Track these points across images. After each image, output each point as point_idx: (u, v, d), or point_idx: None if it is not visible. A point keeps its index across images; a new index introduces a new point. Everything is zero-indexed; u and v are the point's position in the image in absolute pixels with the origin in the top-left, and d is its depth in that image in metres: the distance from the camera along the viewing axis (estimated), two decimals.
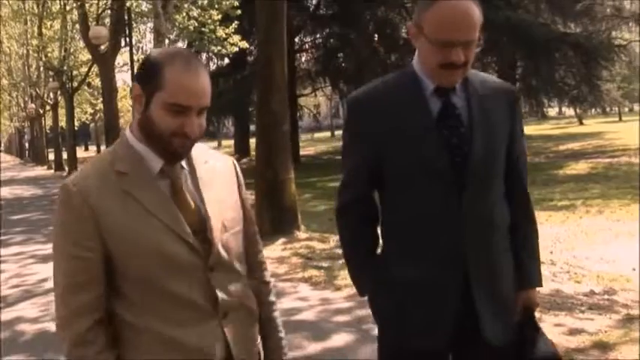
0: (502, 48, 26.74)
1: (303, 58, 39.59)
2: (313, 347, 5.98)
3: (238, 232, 2.31)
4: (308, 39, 38.54)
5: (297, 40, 36.32)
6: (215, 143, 61.09)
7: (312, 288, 8.17)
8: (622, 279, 7.77)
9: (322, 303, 7.46)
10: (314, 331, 6.42)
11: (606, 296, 7.08)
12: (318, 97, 53.88)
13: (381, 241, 2.79)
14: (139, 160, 2.17)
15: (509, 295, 2.68)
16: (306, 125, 67.86)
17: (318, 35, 37.47)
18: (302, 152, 37.62)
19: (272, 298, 2.51)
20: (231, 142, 47.88)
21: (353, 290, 7.59)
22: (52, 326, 6.98)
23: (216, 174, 2.33)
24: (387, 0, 31.48)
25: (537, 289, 2.83)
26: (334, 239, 10.93)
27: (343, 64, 36.01)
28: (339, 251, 9.83)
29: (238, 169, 2.46)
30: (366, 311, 6.90)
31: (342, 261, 9.23)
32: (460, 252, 2.58)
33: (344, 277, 8.34)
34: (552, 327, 5.94)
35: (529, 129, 36.55)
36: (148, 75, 2.13)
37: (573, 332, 5.71)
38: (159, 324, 2.13)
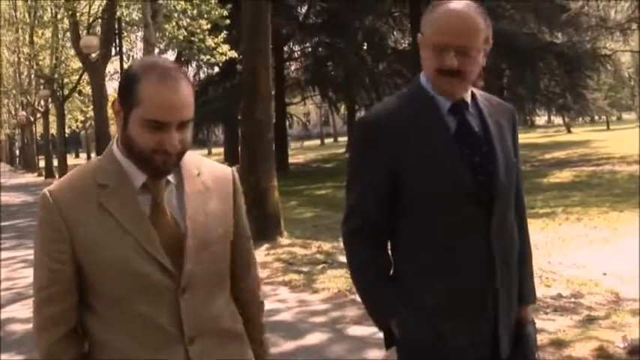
0: (487, 57, 27.01)
1: (293, 67, 39.83)
2: (288, 345, 6.27)
3: (222, 250, 2.21)
4: (297, 48, 38.82)
5: (286, 49, 36.59)
6: (205, 151, 61.29)
7: (291, 291, 8.44)
8: (591, 283, 8.04)
9: (300, 305, 7.74)
10: (290, 330, 6.70)
11: (573, 299, 7.36)
12: (307, 105, 54.08)
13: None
14: (121, 173, 2.10)
15: (514, 314, 2.65)
16: (296, 133, 68.06)
17: (307, 44, 37.71)
18: (291, 160, 37.85)
19: (262, 319, 2.43)
20: (222, 149, 48.13)
21: (329, 293, 8.02)
22: None
23: (207, 187, 2.21)
24: (374, 9, 31.77)
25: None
26: (315, 245, 11.29)
27: (332, 73, 36.25)
28: (320, 257, 10.26)
29: (237, 180, 2.33)
30: (340, 312, 7.27)
31: (321, 266, 9.53)
32: (493, 275, 2.51)
33: (322, 280, 8.67)
34: None
35: None
36: (125, 90, 2.05)
37: None
38: (126, 344, 2.06)
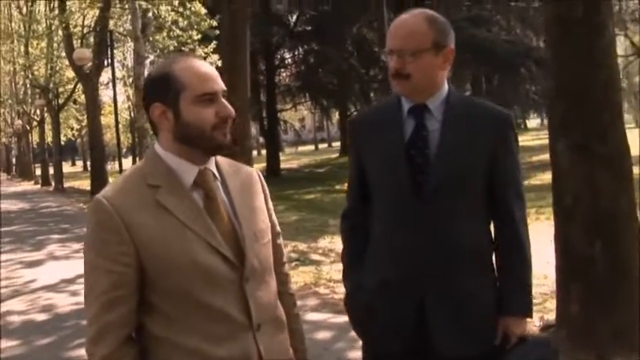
0: (467, 65, 27.75)
1: (284, 74, 40.44)
2: None
3: (268, 243, 2.28)
4: (287, 55, 39.49)
5: (277, 56, 37.27)
6: None
7: None
8: (540, 276, 8.60)
9: None
10: None
11: None
12: (302, 111, 54.37)
13: None
14: (170, 173, 2.14)
15: (477, 317, 2.68)
16: (291, 139, 68.62)
17: (297, 51, 38.34)
18: (285, 165, 38.22)
19: (296, 310, 2.49)
20: None
21: (296, 286, 9.19)
22: (37, 317, 8.21)
23: (246, 185, 2.31)
24: (360, 18, 32.39)
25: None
26: (292, 245, 11.99)
27: (323, 80, 36.79)
28: (294, 255, 11.17)
29: (263, 180, 2.43)
30: (302, 302, 7.94)
31: (294, 263, 10.28)
32: (422, 271, 2.65)
33: (292, 275, 9.13)
34: None
35: None
36: (162, 88, 2.12)
37: None
38: (193, 338, 2.08)
